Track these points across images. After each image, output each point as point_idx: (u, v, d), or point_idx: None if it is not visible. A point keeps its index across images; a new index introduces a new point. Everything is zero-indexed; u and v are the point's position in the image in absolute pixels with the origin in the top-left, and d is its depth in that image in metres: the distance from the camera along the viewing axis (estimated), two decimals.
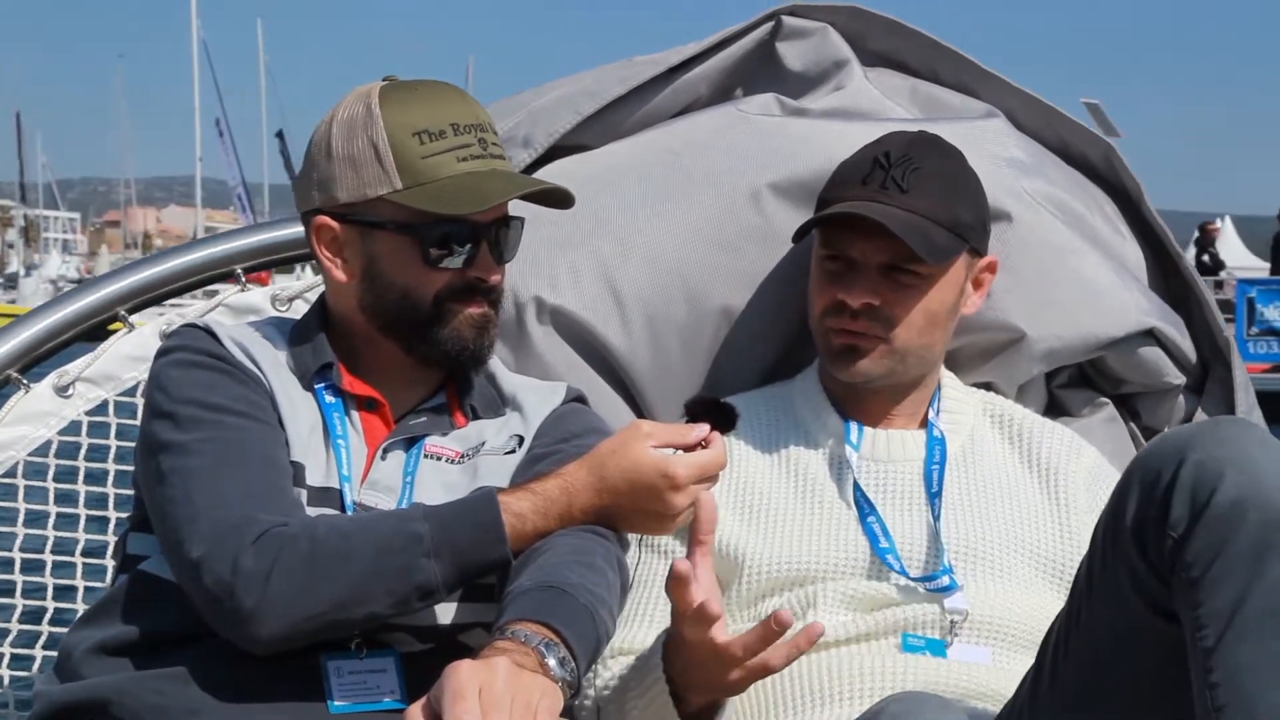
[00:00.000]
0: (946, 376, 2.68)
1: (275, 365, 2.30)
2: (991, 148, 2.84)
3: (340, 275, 2.33)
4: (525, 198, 2.35)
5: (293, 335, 2.38)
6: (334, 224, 2.31)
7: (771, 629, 2.02)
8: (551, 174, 2.82)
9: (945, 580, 2.43)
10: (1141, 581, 1.97)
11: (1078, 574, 2.10)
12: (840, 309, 2.51)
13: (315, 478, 2.23)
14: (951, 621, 2.39)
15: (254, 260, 3.02)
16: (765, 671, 2.06)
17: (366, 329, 2.34)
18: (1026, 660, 2.32)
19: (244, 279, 3.01)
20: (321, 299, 2.42)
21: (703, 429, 2.22)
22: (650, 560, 2.53)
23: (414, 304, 2.29)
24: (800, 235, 2.57)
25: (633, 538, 2.38)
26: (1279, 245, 21.64)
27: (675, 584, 2.03)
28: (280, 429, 2.23)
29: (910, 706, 1.95)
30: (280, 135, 62.14)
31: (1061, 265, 2.81)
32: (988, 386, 2.80)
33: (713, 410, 2.26)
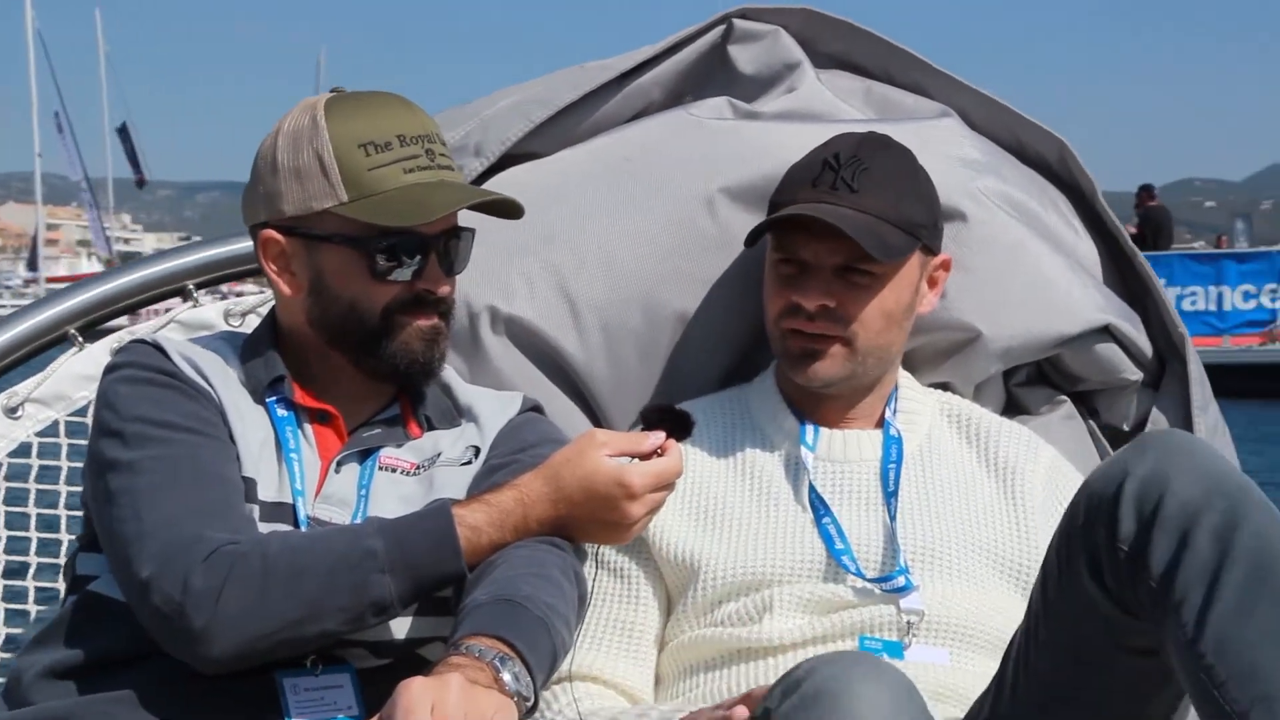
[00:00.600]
0: (904, 376, 2.70)
1: (226, 380, 2.31)
2: (945, 147, 2.86)
3: (288, 289, 2.35)
4: (475, 208, 2.36)
5: (244, 350, 2.38)
6: (280, 238, 2.32)
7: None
8: (503, 183, 2.83)
9: (901, 581, 2.44)
10: (1095, 605, 2.03)
11: (1033, 593, 2.14)
12: (795, 311, 2.52)
13: (268, 493, 2.24)
14: (909, 622, 2.40)
15: (205, 276, 3.03)
16: None
17: (316, 342, 2.34)
18: (986, 660, 2.37)
19: (195, 295, 3.02)
20: (272, 313, 2.43)
21: (658, 437, 2.25)
22: (601, 579, 2.53)
23: (361, 317, 2.30)
24: (752, 240, 2.58)
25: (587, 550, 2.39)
26: (1147, 223, 21.78)
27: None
28: (231, 444, 2.24)
29: (839, 670, 1.89)
30: (123, 129, 61.24)
31: (1017, 263, 2.83)
32: (945, 386, 2.82)
33: (669, 417, 2.28)
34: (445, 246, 2.33)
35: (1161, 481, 1.96)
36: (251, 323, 2.93)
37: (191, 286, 3.01)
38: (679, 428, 2.27)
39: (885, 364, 2.60)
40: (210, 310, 3.01)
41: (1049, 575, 2.10)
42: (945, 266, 2.65)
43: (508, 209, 2.39)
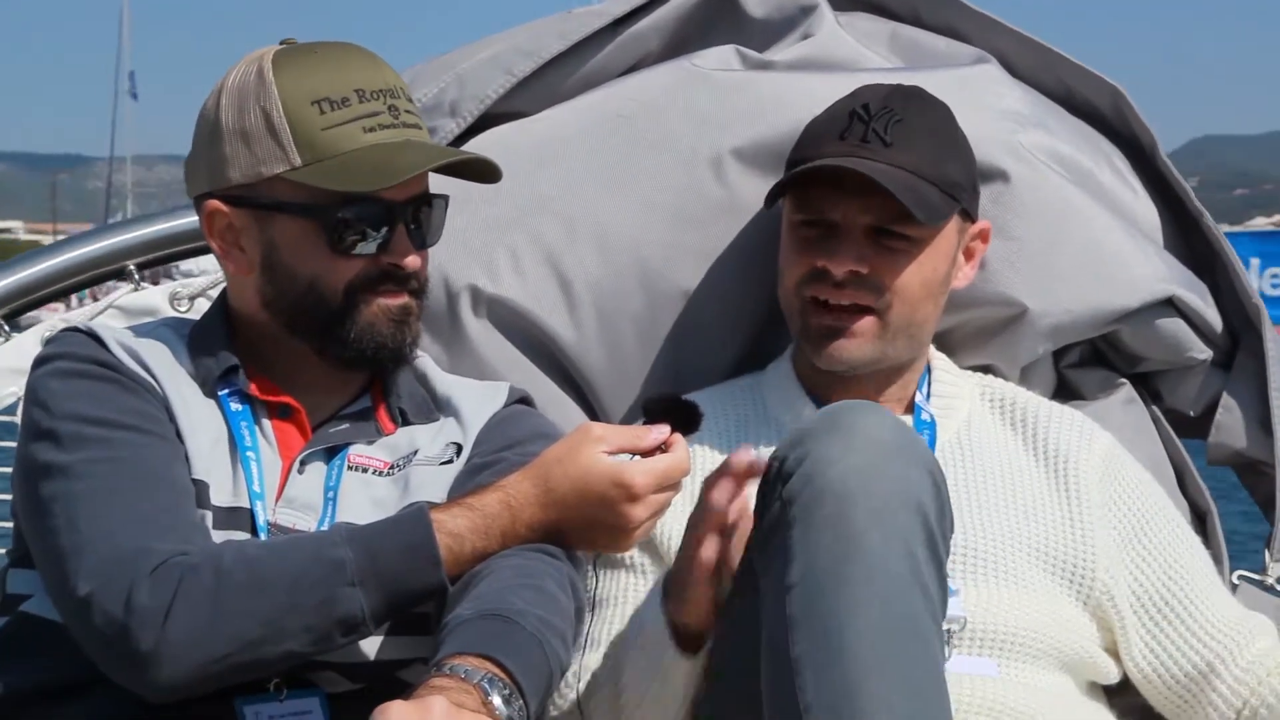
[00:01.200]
0: (938, 357, 2.68)
1: (172, 372, 2.29)
2: (984, 97, 2.83)
3: (238, 268, 2.33)
4: (447, 171, 2.33)
5: (192, 338, 2.36)
6: (227, 209, 2.29)
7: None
8: (483, 145, 2.80)
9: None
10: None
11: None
12: (820, 277, 2.49)
13: (221, 497, 2.21)
14: (949, 631, 2.34)
15: (149, 255, 3.00)
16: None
17: (273, 327, 2.33)
18: (1039, 671, 2.38)
19: (138, 276, 2.98)
20: (223, 296, 2.41)
21: (662, 431, 2.22)
22: (610, 578, 2.53)
23: (322, 297, 2.28)
24: (772, 199, 2.55)
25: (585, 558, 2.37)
26: None
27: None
28: (179, 443, 2.22)
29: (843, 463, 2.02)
30: None
31: (1067, 229, 2.80)
32: (988, 370, 2.79)
33: (673, 409, 2.25)
34: (415, 216, 2.30)
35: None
36: (201, 307, 2.89)
37: (133, 267, 2.98)
38: (685, 420, 2.25)
39: (917, 344, 2.59)
40: (154, 294, 2.97)
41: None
42: (984, 236, 2.63)
43: (484, 171, 2.36)
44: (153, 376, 2.25)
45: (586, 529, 2.19)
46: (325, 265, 2.27)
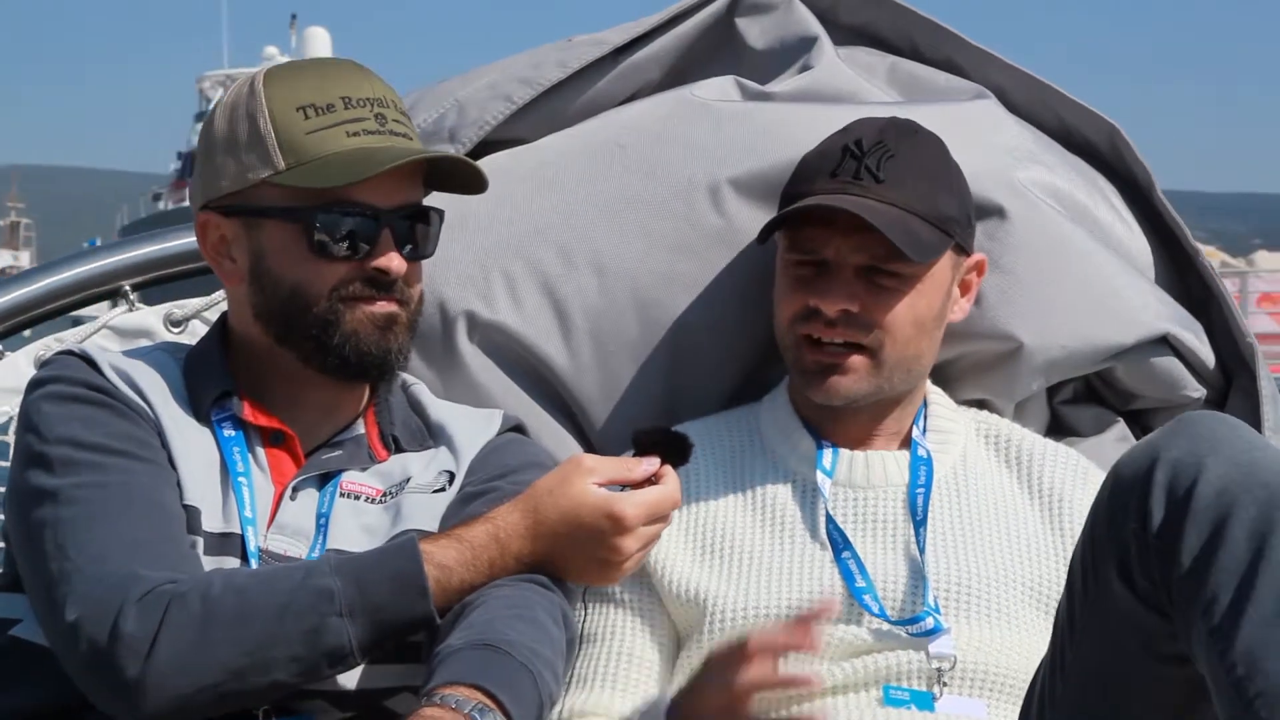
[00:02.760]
0: (934, 392, 2.68)
1: (165, 396, 2.28)
2: (982, 133, 2.83)
3: (231, 279, 2.34)
4: (435, 183, 2.36)
5: (188, 361, 2.37)
6: (220, 220, 2.31)
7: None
8: None
9: (930, 623, 2.42)
10: (1129, 615, 2.01)
11: (1057, 616, 2.13)
12: (812, 316, 2.49)
13: (213, 523, 2.21)
14: (938, 670, 2.38)
15: (144, 275, 3.00)
16: None
17: (266, 344, 2.32)
18: None
19: (132, 298, 2.98)
20: (223, 317, 2.43)
21: (653, 463, 2.23)
22: (601, 612, 2.53)
23: (305, 302, 2.27)
24: (765, 235, 2.55)
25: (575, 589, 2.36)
26: None
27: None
28: (170, 469, 2.22)
29: None
30: None
31: (1063, 264, 2.79)
32: (982, 405, 2.79)
33: (664, 441, 2.27)
34: (404, 225, 2.31)
35: (1195, 466, 1.94)
36: (197, 330, 2.88)
37: (128, 288, 2.97)
38: (675, 452, 2.26)
39: (914, 378, 2.58)
40: (148, 315, 2.97)
41: (1074, 588, 2.10)
42: (979, 269, 2.63)
43: (471, 179, 2.37)
44: (146, 401, 2.26)
45: (576, 560, 2.20)
46: (309, 270, 2.27)
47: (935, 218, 2.49)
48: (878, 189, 2.47)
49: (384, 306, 2.29)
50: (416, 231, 2.33)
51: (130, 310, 2.96)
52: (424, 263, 2.38)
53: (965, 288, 2.60)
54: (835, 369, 2.50)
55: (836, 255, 2.47)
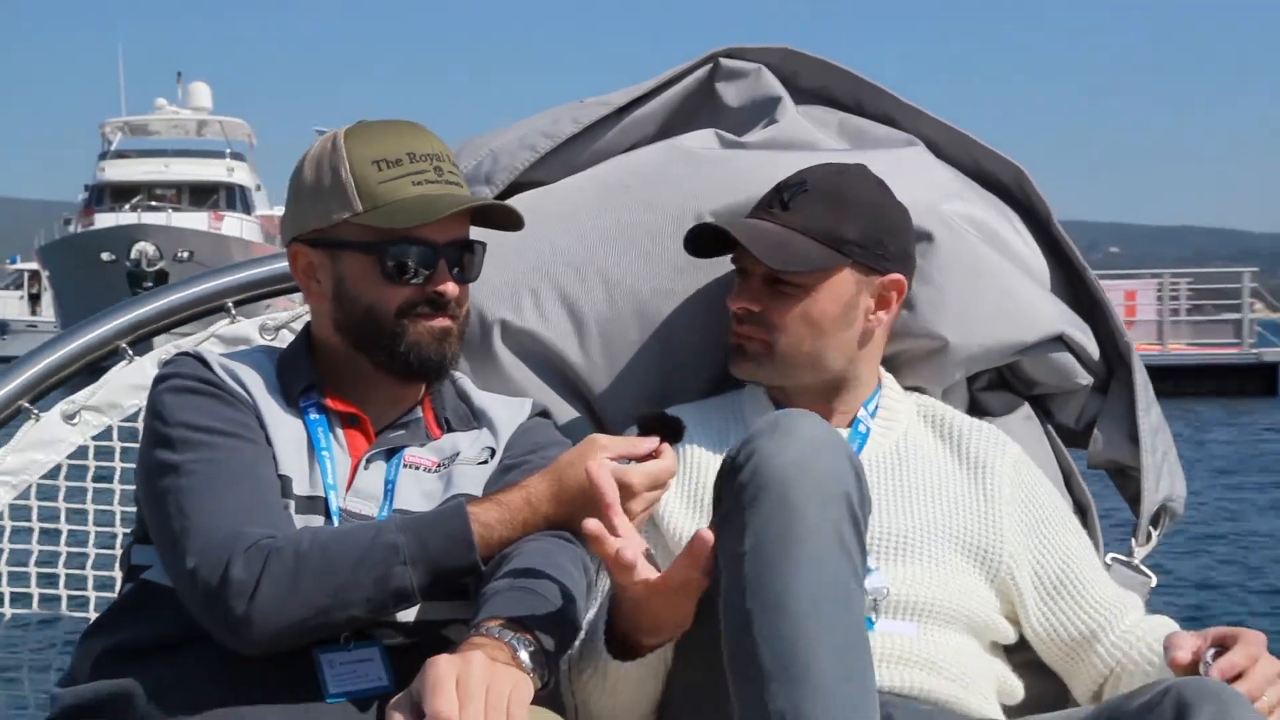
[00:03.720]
0: (888, 379, 2.68)
1: (262, 388, 2.30)
2: (915, 174, 2.82)
3: (316, 298, 2.35)
4: (478, 220, 2.38)
5: (281, 360, 2.39)
6: (308, 250, 2.33)
7: (696, 548, 2.06)
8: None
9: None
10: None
11: None
12: (735, 315, 2.56)
13: (302, 488, 2.23)
14: (873, 600, 2.39)
15: (242, 295, 3.05)
16: (699, 587, 2.10)
17: (344, 348, 2.34)
18: (953, 633, 2.41)
19: (234, 311, 3.03)
20: (307, 327, 2.44)
21: (653, 441, 2.25)
22: None
23: (378, 318, 2.29)
24: (688, 247, 2.62)
25: None
26: None
27: (590, 542, 2.08)
28: (267, 446, 2.24)
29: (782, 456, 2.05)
30: None
31: (980, 279, 2.80)
32: (915, 390, 2.80)
33: (661, 423, 2.29)
34: (456, 255, 2.33)
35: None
36: (285, 338, 2.95)
37: (230, 304, 3.03)
38: (671, 433, 2.28)
39: (826, 368, 2.57)
40: (246, 325, 3.02)
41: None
42: (896, 287, 2.58)
43: (507, 219, 2.39)
44: (247, 392, 2.28)
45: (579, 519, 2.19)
46: (381, 293, 2.28)
47: (825, 237, 2.48)
48: (782, 215, 2.50)
49: (440, 322, 2.32)
50: (465, 261, 2.35)
51: (232, 322, 3.01)
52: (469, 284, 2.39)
53: (884, 303, 2.56)
54: (743, 352, 2.56)
55: (750, 266, 2.53)
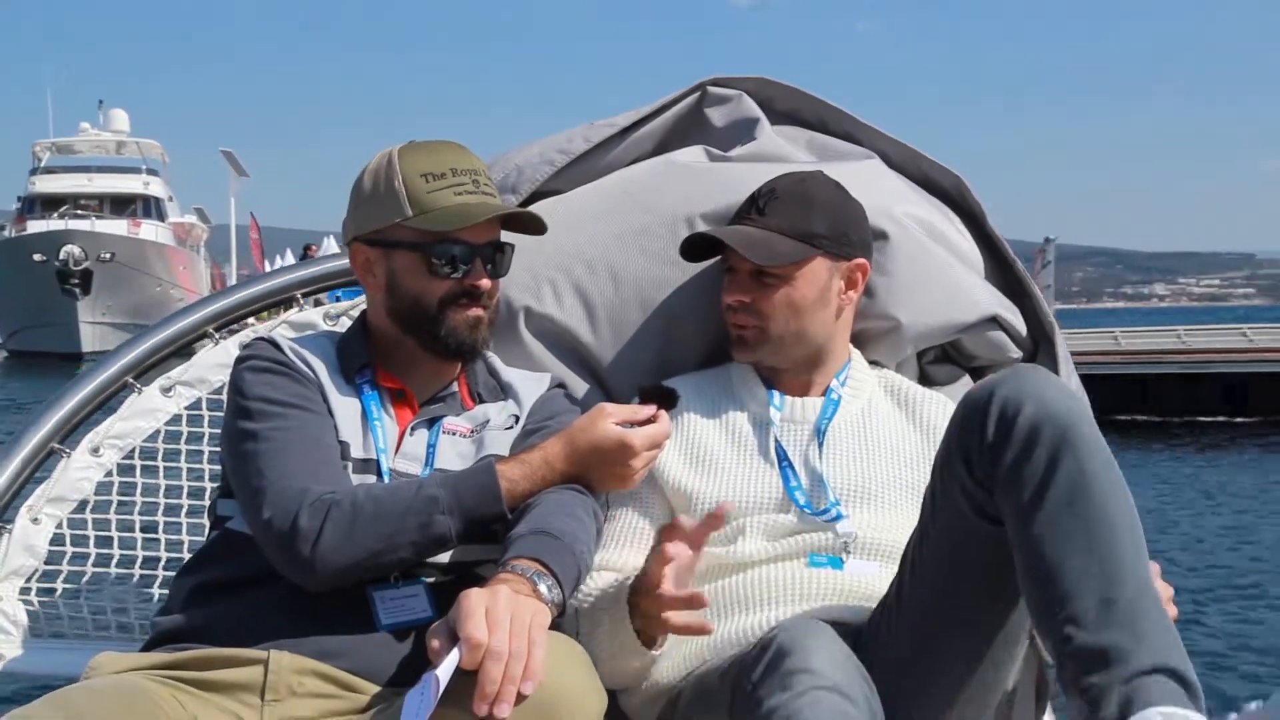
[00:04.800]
0: (856, 355, 2.63)
1: (324, 367, 2.27)
2: (872, 182, 2.77)
3: (372, 289, 2.32)
4: (509, 224, 2.33)
5: (340, 343, 2.36)
6: (366, 249, 2.29)
7: (713, 518, 2.02)
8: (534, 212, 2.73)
9: (834, 512, 2.39)
10: (970, 494, 2.01)
11: (924, 499, 2.13)
12: (729, 307, 2.52)
13: (358, 452, 2.20)
14: (844, 543, 2.35)
15: (308, 288, 3.04)
16: (690, 631, 2.02)
17: (394, 332, 2.29)
18: None
19: (302, 302, 3.02)
20: (363, 315, 2.41)
21: (651, 408, 2.23)
22: (620, 504, 2.49)
23: (424, 307, 2.26)
24: (684, 254, 2.58)
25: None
26: None
27: (655, 559, 2.02)
28: (329, 416, 2.21)
29: (797, 635, 1.93)
30: None
31: (927, 269, 2.74)
32: (875, 364, 2.75)
33: (659, 393, 2.27)
34: (489, 254, 2.29)
35: (1016, 401, 1.96)
36: (344, 324, 2.91)
37: (299, 295, 3.02)
38: (667, 401, 2.26)
39: (810, 344, 2.52)
40: (312, 313, 3.00)
41: (934, 480, 2.09)
42: (861, 269, 2.53)
43: (533, 224, 2.36)
44: (312, 370, 2.25)
45: (601, 475, 2.20)
46: (427, 285, 2.25)
47: (797, 234, 2.44)
48: (759, 220, 2.48)
49: (476, 312, 2.28)
50: (497, 259, 2.31)
51: (300, 310, 3.00)
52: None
53: (852, 284, 2.51)
54: (742, 340, 2.52)
55: (738, 264, 2.49)
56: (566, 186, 2.89)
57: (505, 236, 2.35)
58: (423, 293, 2.25)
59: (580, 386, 2.70)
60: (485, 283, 2.27)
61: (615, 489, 2.28)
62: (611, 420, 2.17)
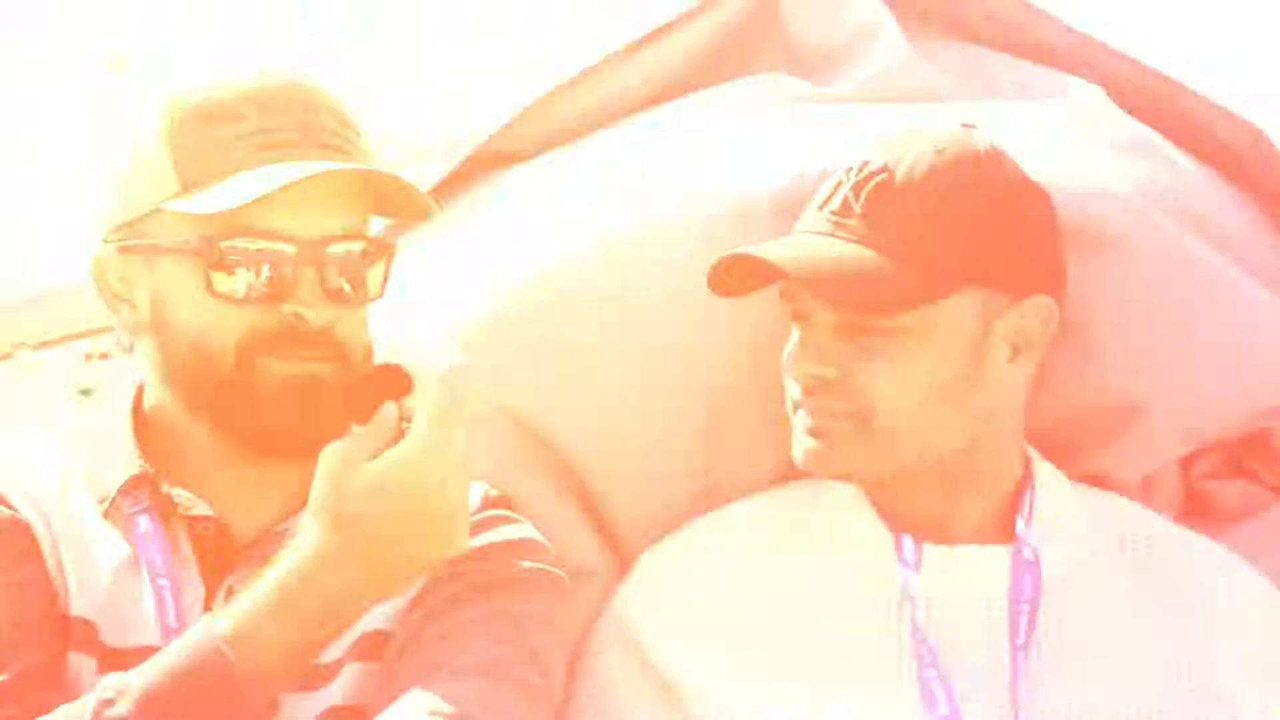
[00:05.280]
0: (1044, 469, 1.77)
1: (63, 492, 1.61)
2: (1084, 133, 1.87)
3: (130, 328, 1.68)
4: (382, 210, 1.63)
5: (96, 443, 1.70)
6: (117, 259, 1.61)
7: None
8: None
9: None
10: None
11: None
12: (797, 383, 1.77)
13: (118, 637, 1.54)
14: None
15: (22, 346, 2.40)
16: None
17: (177, 411, 1.61)
18: None
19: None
20: (138, 389, 1.70)
21: (392, 409, 1.51)
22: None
23: (210, 357, 1.55)
24: (716, 290, 1.78)
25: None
26: None
27: None
28: (44, 578, 1.57)
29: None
30: None
31: (1194, 296, 1.80)
32: (1096, 480, 1.80)
33: (376, 381, 1.55)
34: (334, 256, 1.56)
35: None
36: (103, 398, 2.31)
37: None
38: (394, 384, 1.54)
39: (934, 449, 1.74)
40: (61, 354, 2.34)
41: None
42: (1042, 316, 1.71)
43: (411, 202, 1.60)
44: (34, 503, 1.57)
45: (410, 543, 1.44)
46: (211, 315, 1.53)
47: (927, 256, 1.67)
48: (855, 226, 1.69)
49: (306, 365, 1.52)
50: (352, 267, 1.54)
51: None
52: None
53: (1026, 341, 1.70)
54: (818, 437, 1.72)
55: (810, 311, 1.70)
56: (530, 150, 2.00)
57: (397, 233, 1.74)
58: (206, 329, 1.55)
59: (547, 506, 1.81)
60: (326, 313, 1.54)
61: (448, 553, 1.51)
62: (360, 457, 1.45)
